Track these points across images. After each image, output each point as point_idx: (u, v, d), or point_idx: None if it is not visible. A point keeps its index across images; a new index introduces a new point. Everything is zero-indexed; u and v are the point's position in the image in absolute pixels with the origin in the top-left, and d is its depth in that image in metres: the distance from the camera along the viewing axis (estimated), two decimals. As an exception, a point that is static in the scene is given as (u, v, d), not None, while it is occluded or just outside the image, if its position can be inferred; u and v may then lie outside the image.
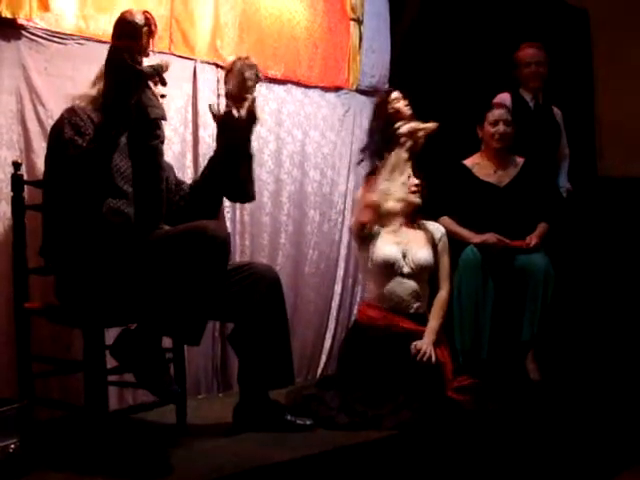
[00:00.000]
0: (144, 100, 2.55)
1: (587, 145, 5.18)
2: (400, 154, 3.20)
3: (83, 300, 2.60)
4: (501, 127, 3.92)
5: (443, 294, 3.47)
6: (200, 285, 2.52)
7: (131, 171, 2.67)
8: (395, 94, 3.47)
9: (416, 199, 3.42)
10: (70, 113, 2.64)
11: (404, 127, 3.26)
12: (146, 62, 2.55)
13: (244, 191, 2.99)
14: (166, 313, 2.52)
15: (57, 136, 2.63)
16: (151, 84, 2.64)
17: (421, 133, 3.26)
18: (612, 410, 3.60)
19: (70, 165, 2.54)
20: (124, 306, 2.59)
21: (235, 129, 2.86)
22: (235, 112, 2.83)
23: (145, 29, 2.54)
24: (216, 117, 2.89)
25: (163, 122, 2.69)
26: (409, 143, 3.23)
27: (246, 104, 2.84)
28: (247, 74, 2.83)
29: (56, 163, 2.63)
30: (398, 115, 3.34)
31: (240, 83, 2.83)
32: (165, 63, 2.59)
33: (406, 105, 3.46)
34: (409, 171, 3.32)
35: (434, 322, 3.36)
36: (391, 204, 3.21)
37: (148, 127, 2.59)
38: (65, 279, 2.69)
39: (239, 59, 2.86)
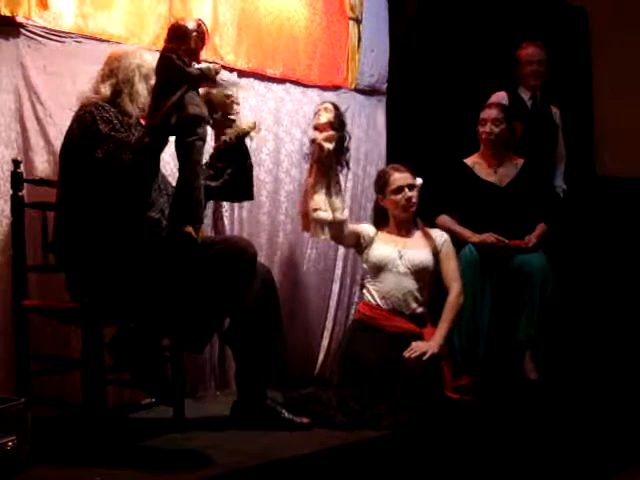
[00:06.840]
0: (186, 98, 2.56)
1: (585, 145, 5.19)
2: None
3: (97, 296, 2.60)
4: (488, 127, 3.89)
5: (453, 297, 3.41)
6: (220, 298, 2.56)
7: (160, 181, 2.76)
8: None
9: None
10: (98, 109, 2.62)
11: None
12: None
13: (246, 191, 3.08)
14: (177, 318, 2.54)
15: (87, 131, 2.59)
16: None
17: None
18: (610, 410, 3.60)
19: (106, 161, 2.54)
20: (133, 305, 2.60)
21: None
22: (227, 138, 2.94)
23: (195, 34, 2.63)
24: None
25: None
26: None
27: (234, 126, 2.95)
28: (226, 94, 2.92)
29: (87, 156, 2.57)
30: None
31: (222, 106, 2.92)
32: (214, 67, 2.66)
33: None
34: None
35: (444, 325, 3.33)
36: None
37: (186, 123, 2.57)
38: (80, 275, 2.67)
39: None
